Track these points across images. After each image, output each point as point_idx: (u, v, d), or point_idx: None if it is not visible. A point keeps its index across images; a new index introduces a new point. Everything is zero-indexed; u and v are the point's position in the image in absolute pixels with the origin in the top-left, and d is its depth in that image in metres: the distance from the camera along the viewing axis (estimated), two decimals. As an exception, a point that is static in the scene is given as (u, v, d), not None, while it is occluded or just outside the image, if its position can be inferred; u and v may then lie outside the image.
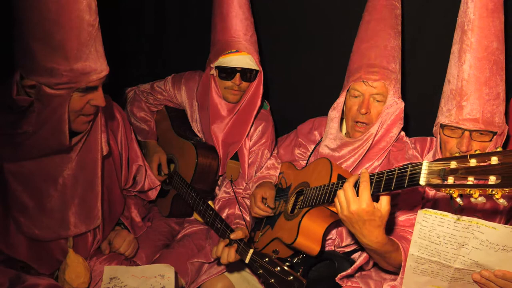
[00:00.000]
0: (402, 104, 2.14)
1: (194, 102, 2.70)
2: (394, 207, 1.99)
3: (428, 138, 2.18)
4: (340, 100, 2.24)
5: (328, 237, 2.21)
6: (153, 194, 2.55)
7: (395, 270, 1.85)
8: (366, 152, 2.15)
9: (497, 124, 1.82)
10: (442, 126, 1.90)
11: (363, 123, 2.16)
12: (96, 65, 1.71)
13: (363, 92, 2.12)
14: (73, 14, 1.59)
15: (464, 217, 1.47)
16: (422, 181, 1.32)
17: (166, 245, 2.55)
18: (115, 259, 2.20)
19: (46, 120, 1.74)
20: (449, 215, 1.50)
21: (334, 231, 2.20)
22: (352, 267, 1.96)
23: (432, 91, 2.39)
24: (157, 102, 2.87)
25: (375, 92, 2.11)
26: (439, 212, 1.52)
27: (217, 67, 2.47)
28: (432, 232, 1.55)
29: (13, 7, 1.61)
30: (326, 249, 2.22)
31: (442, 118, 1.90)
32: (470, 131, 1.82)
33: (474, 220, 1.45)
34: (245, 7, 2.44)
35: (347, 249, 2.21)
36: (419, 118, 2.50)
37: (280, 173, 2.52)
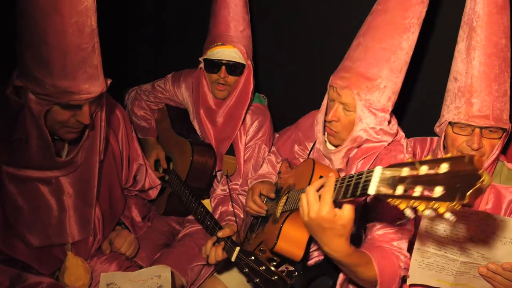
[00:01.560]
0: (384, 116, 1.89)
1: None
2: (372, 219, 1.84)
3: (428, 138, 2.14)
4: (324, 102, 2.07)
5: (317, 246, 2.07)
6: (153, 193, 2.55)
7: (369, 287, 1.70)
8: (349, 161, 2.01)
9: (505, 121, 1.81)
10: (451, 124, 1.87)
11: (332, 130, 1.99)
12: (83, 86, 1.69)
13: (333, 99, 1.93)
14: (60, 35, 1.57)
15: (471, 210, 1.49)
16: (371, 190, 1.18)
17: (167, 245, 2.56)
18: (116, 259, 2.22)
19: (31, 127, 1.76)
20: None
21: None
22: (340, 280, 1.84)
23: (430, 90, 2.36)
24: (157, 100, 2.88)
25: (342, 101, 1.89)
26: None
27: (204, 60, 2.47)
28: (438, 226, 1.54)
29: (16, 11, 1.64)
30: (316, 259, 2.11)
31: (450, 115, 1.87)
32: (481, 128, 1.81)
33: (482, 213, 1.47)
34: (240, 3, 2.43)
35: None
36: (418, 118, 2.42)
37: (278, 172, 2.43)
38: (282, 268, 2.06)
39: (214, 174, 2.64)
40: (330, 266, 2.04)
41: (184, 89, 2.75)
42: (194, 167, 2.51)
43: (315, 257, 2.12)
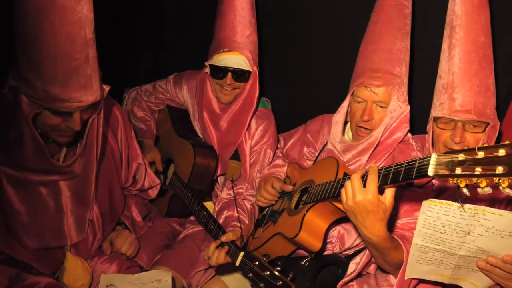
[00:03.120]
0: (407, 108, 2.16)
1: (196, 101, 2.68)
2: (394, 210, 1.96)
3: (427, 136, 2.17)
4: (345, 103, 2.26)
5: (328, 240, 2.21)
6: (153, 193, 2.54)
7: (393, 271, 1.87)
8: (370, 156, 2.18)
9: (488, 116, 1.88)
10: (436, 119, 1.95)
11: (366, 128, 2.18)
12: (74, 94, 1.66)
13: (365, 99, 2.13)
14: (50, 42, 1.55)
15: (470, 205, 1.47)
16: (430, 172, 1.33)
17: (167, 245, 2.55)
18: (117, 259, 2.21)
19: (24, 127, 1.73)
20: (455, 204, 1.50)
21: (335, 234, 2.20)
22: (358, 268, 1.98)
23: (427, 90, 2.36)
24: (158, 101, 2.85)
25: (377, 100, 2.12)
26: (444, 201, 1.53)
27: (210, 65, 2.46)
28: (437, 222, 1.55)
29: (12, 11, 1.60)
30: (325, 253, 2.23)
31: (435, 112, 1.95)
32: (463, 122, 1.87)
33: (481, 208, 1.46)
34: (247, 6, 2.41)
35: (348, 252, 2.21)
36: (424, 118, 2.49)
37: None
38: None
39: (216, 177, 2.65)
40: (338, 257, 2.20)
41: (185, 91, 2.73)
42: (196, 170, 2.51)
43: (324, 251, 2.23)
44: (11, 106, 1.72)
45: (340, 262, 2.17)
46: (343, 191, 1.65)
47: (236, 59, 2.38)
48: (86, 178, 2.03)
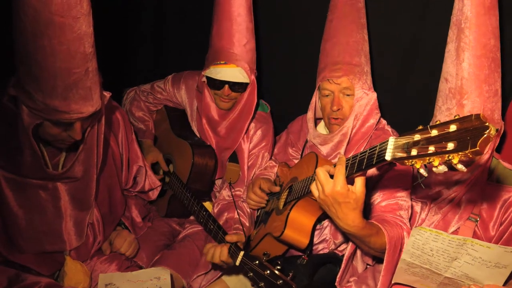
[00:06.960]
0: (374, 95, 2.19)
1: (194, 101, 2.70)
2: (375, 193, 2.01)
3: None
4: (313, 100, 2.32)
5: (321, 238, 2.21)
6: (153, 194, 2.56)
7: (379, 255, 1.84)
8: (347, 145, 2.18)
9: (497, 121, 1.82)
10: None
11: (338, 118, 2.20)
12: (74, 106, 1.66)
13: (332, 90, 2.17)
14: (49, 58, 1.55)
15: (460, 236, 1.53)
16: (387, 156, 1.30)
17: (167, 245, 2.54)
18: (116, 259, 2.22)
19: (23, 136, 1.76)
20: (444, 233, 1.54)
21: (327, 232, 2.19)
22: (345, 258, 1.95)
23: (423, 90, 2.41)
24: (157, 102, 2.89)
25: (342, 88, 2.15)
26: (434, 230, 1.57)
27: (207, 77, 2.46)
28: (425, 245, 1.60)
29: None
30: (322, 252, 2.23)
31: (442, 117, 1.87)
32: None
33: (469, 239, 1.51)
34: (243, 12, 2.34)
35: (342, 248, 2.21)
36: (413, 118, 2.38)
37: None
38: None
39: (214, 178, 2.65)
40: (335, 255, 2.19)
41: (183, 91, 2.76)
42: (195, 170, 2.53)
43: (320, 250, 2.23)
44: (11, 115, 1.75)
45: (338, 260, 2.16)
46: (313, 185, 1.64)
47: (233, 72, 2.36)
48: (86, 182, 2.05)
